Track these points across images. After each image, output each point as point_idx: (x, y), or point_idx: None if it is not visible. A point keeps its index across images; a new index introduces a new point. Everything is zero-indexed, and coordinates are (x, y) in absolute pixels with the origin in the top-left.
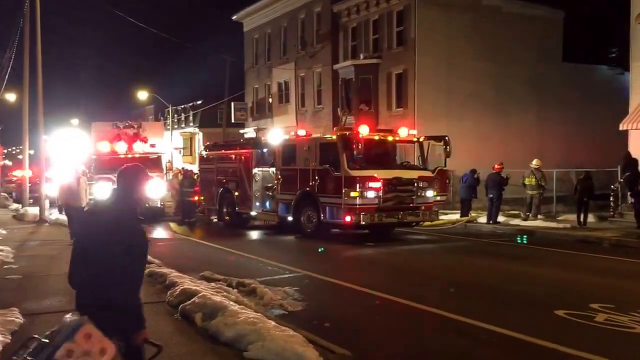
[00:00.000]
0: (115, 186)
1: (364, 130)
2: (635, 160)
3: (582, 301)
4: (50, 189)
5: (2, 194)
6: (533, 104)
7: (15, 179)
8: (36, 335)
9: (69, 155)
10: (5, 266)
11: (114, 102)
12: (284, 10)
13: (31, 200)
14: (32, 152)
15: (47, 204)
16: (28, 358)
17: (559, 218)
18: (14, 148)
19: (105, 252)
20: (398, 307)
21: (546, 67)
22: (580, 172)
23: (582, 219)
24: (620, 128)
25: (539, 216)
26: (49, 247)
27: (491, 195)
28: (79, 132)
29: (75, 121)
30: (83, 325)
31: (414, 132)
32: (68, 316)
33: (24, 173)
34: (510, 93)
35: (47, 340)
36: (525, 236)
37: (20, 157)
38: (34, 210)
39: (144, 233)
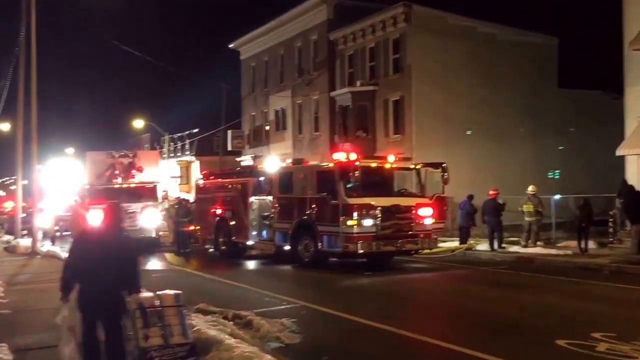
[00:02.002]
0: (104, 216)
1: (352, 157)
2: (631, 187)
3: (583, 330)
4: (44, 220)
5: None
6: (529, 129)
7: (7, 209)
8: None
9: (63, 185)
10: None
11: (110, 130)
12: (281, 38)
13: (24, 232)
14: (25, 182)
15: (39, 235)
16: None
17: (558, 244)
18: (7, 179)
19: (120, 254)
20: (397, 338)
21: (542, 93)
22: (579, 199)
23: (582, 246)
24: (617, 153)
25: (538, 243)
26: (41, 280)
27: (490, 222)
28: (74, 161)
29: (70, 150)
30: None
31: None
32: (148, 294)
33: (16, 204)
34: (507, 119)
35: (153, 309)
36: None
37: (13, 187)
38: (26, 242)
39: (133, 241)
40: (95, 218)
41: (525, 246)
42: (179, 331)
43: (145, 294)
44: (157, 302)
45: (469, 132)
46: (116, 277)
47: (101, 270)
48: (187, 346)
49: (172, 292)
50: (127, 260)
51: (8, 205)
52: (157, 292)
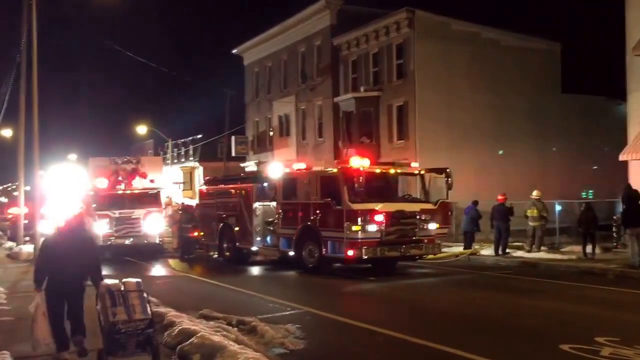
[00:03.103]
0: (71, 219)
1: (355, 163)
2: (636, 192)
3: (587, 334)
4: (46, 227)
5: None
6: (533, 135)
7: (10, 216)
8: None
9: (66, 192)
10: None
11: (113, 136)
12: (284, 43)
13: (27, 238)
14: (27, 188)
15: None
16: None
17: (562, 249)
18: (9, 185)
19: (82, 250)
20: (402, 344)
21: (545, 98)
22: (582, 204)
23: (587, 251)
24: (620, 158)
25: (542, 248)
26: None
27: (498, 227)
28: (77, 167)
29: (72, 156)
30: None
31: (416, 164)
32: (114, 281)
33: (19, 210)
34: (510, 124)
35: (120, 291)
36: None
37: (16, 193)
38: (28, 249)
39: (94, 239)
40: (99, 225)
41: (530, 251)
42: (139, 310)
43: (113, 281)
44: (122, 288)
45: (501, 152)
46: (78, 269)
47: (67, 264)
48: (146, 321)
49: (134, 279)
50: (88, 256)
51: (14, 211)
52: (122, 280)
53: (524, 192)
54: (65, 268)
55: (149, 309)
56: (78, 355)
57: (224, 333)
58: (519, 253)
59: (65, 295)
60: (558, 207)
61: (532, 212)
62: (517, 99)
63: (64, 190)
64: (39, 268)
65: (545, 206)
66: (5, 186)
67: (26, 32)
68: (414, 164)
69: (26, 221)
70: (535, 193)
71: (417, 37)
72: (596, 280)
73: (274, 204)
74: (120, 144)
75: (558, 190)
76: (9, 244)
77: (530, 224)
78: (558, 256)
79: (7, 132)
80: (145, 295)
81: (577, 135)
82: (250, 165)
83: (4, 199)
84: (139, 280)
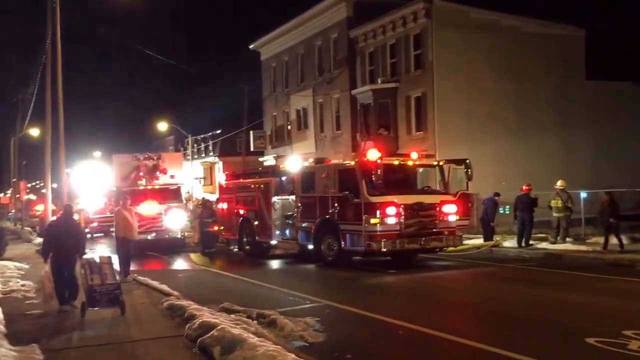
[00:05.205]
0: (63, 212)
1: (373, 155)
2: None
3: (614, 328)
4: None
5: (26, 228)
6: (556, 123)
7: (38, 212)
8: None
9: (91, 188)
10: (27, 301)
11: (136, 133)
12: (301, 37)
13: None
14: (55, 185)
15: None
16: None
17: (588, 241)
18: (37, 182)
19: (72, 232)
20: (423, 337)
21: (569, 86)
22: (603, 194)
23: (617, 242)
24: None
25: (567, 239)
26: None
27: (522, 218)
28: (101, 164)
29: (97, 154)
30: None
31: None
32: (91, 256)
33: (46, 207)
34: (533, 113)
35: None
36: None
37: (43, 191)
38: None
39: (80, 225)
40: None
41: (554, 242)
42: (111, 277)
43: (90, 256)
44: (98, 261)
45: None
46: (70, 247)
47: (64, 242)
48: (115, 284)
49: (107, 255)
50: (77, 237)
51: (40, 208)
52: (98, 255)
53: (547, 182)
54: (62, 246)
55: (117, 276)
56: (67, 304)
57: (244, 326)
58: (543, 244)
59: (63, 266)
60: (583, 195)
61: (556, 203)
62: (540, 87)
63: (90, 187)
64: (44, 246)
65: (571, 197)
66: (34, 184)
67: (50, 33)
68: (414, 154)
69: (54, 217)
70: (559, 183)
71: (435, 26)
72: (623, 272)
73: (292, 197)
74: (143, 141)
75: (583, 180)
76: (38, 240)
77: (555, 215)
78: (583, 247)
79: (35, 131)
80: (114, 266)
81: (603, 122)
82: (268, 160)
83: (32, 196)
84: (110, 255)
